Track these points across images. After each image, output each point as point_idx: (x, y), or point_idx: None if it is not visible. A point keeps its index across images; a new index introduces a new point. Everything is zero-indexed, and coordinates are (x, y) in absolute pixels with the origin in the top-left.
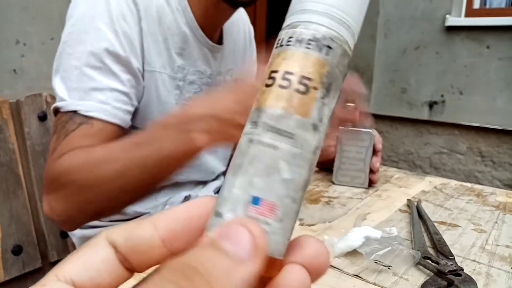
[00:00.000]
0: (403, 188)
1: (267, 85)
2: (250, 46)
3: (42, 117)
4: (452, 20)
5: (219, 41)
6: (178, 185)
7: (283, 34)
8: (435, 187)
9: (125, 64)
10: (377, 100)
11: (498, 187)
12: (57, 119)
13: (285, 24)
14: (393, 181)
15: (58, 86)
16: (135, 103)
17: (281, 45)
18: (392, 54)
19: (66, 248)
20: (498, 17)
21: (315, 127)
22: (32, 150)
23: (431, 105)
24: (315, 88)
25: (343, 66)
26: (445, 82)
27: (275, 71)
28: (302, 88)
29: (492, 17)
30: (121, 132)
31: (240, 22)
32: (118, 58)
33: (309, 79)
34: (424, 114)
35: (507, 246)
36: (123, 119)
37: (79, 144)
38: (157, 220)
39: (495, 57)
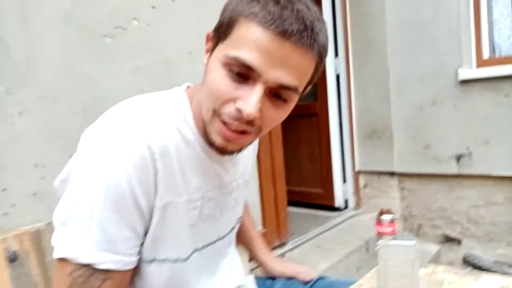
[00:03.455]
0: None
1: None
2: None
3: None
4: (464, 73)
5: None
6: None
7: None
8: None
9: (138, 209)
10: (401, 159)
11: None
12: (70, 272)
13: None
14: None
15: (60, 233)
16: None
17: None
18: (408, 111)
19: None
20: (511, 65)
21: None
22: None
23: (458, 158)
24: None
25: None
26: (468, 134)
27: None
28: None
29: (504, 65)
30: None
31: None
32: (132, 206)
33: None
34: (452, 168)
35: None
36: (135, 261)
37: None
38: None
39: None
